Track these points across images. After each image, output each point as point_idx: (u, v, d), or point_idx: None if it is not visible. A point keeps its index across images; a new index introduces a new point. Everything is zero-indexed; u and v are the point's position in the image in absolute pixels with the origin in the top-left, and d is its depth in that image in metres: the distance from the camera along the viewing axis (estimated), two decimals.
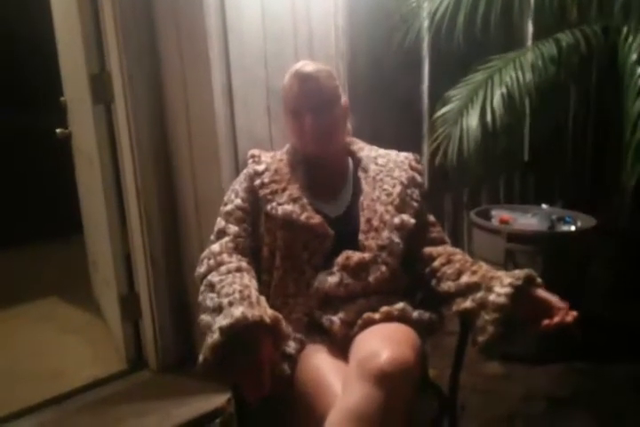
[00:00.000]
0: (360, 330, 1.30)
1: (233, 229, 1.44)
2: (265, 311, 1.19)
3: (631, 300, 2.67)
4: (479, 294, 1.30)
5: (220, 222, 1.47)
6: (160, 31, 2.02)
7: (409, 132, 2.62)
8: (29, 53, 3.74)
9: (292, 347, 1.31)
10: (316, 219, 1.38)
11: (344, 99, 1.50)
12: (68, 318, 2.89)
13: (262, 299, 1.26)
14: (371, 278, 1.37)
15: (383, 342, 1.18)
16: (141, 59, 2.03)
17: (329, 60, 2.08)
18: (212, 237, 1.46)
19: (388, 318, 1.31)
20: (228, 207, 1.47)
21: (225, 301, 1.22)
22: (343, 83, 2.09)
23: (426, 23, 2.28)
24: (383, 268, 1.38)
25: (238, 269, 1.34)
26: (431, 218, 1.55)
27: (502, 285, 1.27)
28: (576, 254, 2.38)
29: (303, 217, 1.38)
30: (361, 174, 1.51)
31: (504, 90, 2.10)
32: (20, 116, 3.81)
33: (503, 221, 2.47)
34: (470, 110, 2.16)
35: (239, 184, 1.50)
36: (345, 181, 1.52)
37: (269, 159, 1.51)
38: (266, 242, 1.43)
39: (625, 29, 1.93)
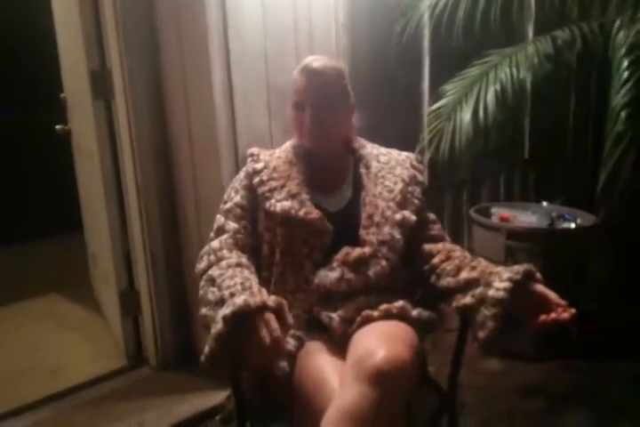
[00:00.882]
0: (358, 327, 1.30)
1: (232, 226, 1.44)
2: (267, 298, 1.20)
3: (630, 297, 2.67)
4: (478, 290, 1.30)
5: (220, 219, 1.47)
6: (160, 28, 2.02)
7: (409, 128, 2.62)
8: (29, 50, 3.73)
9: (291, 344, 1.31)
10: (315, 214, 1.38)
11: (352, 97, 1.49)
12: (68, 315, 2.89)
13: (264, 290, 1.26)
14: (371, 273, 1.37)
15: (380, 341, 1.18)
16: (142, 55, 2.03)
17: (329, 56, 2.07)
18: (212, 235, 1.47)
19: (387, 315, 1.31)
20: (228, 205, 1.48)
21: (226, 293, 1.23)
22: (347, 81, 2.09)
23: (426, 15, 2.27)
24: (383, 262, 1.38)
25: (238, 265, 1.35)
26: (431, 216, 1.55)
27: (501, 279, 1.27)
28: (575, 252, 2.39)
29: (302, 213, 1.38)
30: (362, 171, 1.51)
31: (498, 86, 2.10)
32: (20, 112, 3.80)
33: (503, 219, 2.47)
34: (464, 106, 2.15)
35: (239, 182, 1.51)
36: (346, 176, 1.52)
37: (268, 157, 1.52)
38: (265, 239, 1.43)
39: (617, 24, 1.93)
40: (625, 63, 1.83)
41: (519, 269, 1.28)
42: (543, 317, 1.20)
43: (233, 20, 1.84)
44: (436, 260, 1.43)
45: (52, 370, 2.32)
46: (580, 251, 2.41)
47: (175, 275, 2.23)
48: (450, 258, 1.42)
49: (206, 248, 1.43)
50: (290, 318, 1.22)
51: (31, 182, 3.91)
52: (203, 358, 1.19)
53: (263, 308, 1.16)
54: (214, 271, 1.33)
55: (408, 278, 1.47)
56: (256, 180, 1.46)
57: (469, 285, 1.33)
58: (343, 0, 2.13)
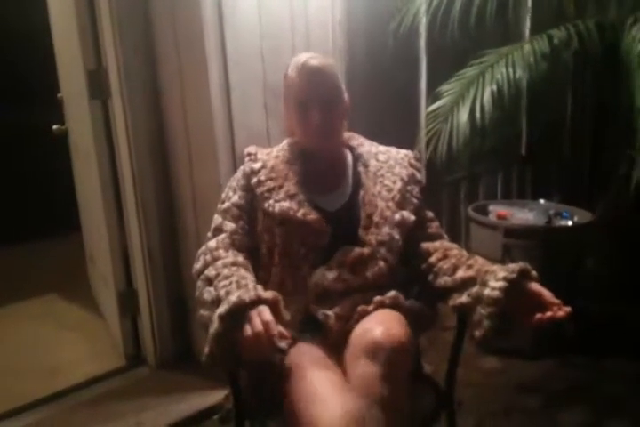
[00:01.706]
0: (355, 323, 1.31)
1: (230, 225, 1.44)
2: (263, 292, 1.20)
3: (626, 294, 2.68)
4: (474, 289, 1.31)
5: (217, 219, 1.47)
6: (156, 27, 2.02)
7: (406, 127, 2.62)
8: (25, 50, 3.72)
9: (284, 343, 1.31)
10: (313, 215, 1.38)
11: (346, 95, 1.50)
12: (66, 315, 2.89)
13: (260, 286, 1.25)
14: (368, 274, 1.37)
15: (376, 322, 1.24)
16: (138, 54, 2.03)
17: (326, 55, 2.07)
18: (209, 234, 1.47)
19: (381, 306, 1.33)
20: (225, 205, 1.48)
21: (222, 292, 1.23)
22: (341, 78, 2.09)
23: (422, 8, 2.26)
24: (381, 263, 1.38)
25: (234, 264, 1.34)
26: (429, 214, 1.55)
27: (496, 279, 1.27)
28: (573, 249, 2.39)
29: (300, 213, 1.38)
30: (361, 169, 1.51)
31: (494, 87, 2.10)
32: (17, 112, 3.80)
33: (500, 217, 2.48)
34: (461, 107, 2.16)
35: (236, 182, 1.51)
36: (344, 174, 1.52)
37: (265, 156, 1.51)
38: (264, 240, 1.43)
39: (630, 20, 1.92)
40: None
41: (514, 267, 1.28)
42: (538, 315, 1.20)
43: (229, 19, 1.84)
44: (433, 258, 1.43)
45: (50, 370, 2.32)
46: (577, 248, 2.42)
47: (173, 274, 2.23)
48: (447, 256, 1.42)
49: (203, 248, 1.43)
50: (285, 314, 1.22)
51: (29, 183, 3.90)
52: (203, 357, 1.19)
53: (258, 301, 1.17)
54: (210, 271, 1.33)
55: (405, 278, 1.47)
56: (254, 180, 1.46)
57: (465, 284, 1.34)
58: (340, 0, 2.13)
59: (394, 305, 1.33)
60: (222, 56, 1.86)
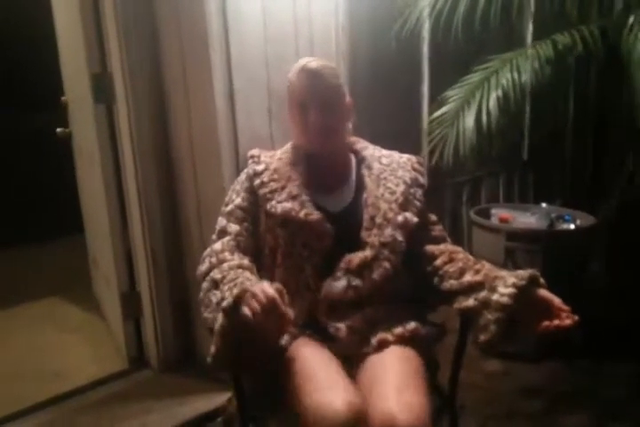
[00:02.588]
0: (374, 351, 1.33)
1: (234, 227, 1.44)
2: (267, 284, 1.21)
3: (630, 298, 2.68)
4: (482, 294, 1.31)
5: (222, 222, 1.48)
6: (161, 32, 2.03)
7: (409, 130, 2.63)
8: (30, 53, 3.74)
9: (284, 339, 1.32)
10: (315, 215, 1.39)
11: (348, 97, 1.51)
12: (69, 318, 2.89)
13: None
14: (375, 276, 1.38)
15: (394, 393, 1.19)
16: (143, 59, 2.03)
17: (330, 60, 2.08)
18: (214, 237, 1.47)
19: (402, 339, 1.34)
20: (229, 207, 1.49)
21: (227, 294, 1.24)
22: (344, 82, 2.10)
23: (426, 11, 2.27)
24: (386, 264, 1.39)
25: (240, 266, 1.35)
26: (433, 217, 1.55)
27: (506, 285, 1.28)
28: (575, 253, 2.40)
29: (302, 214, 1.38)
30: (365, 172, 1.51)
31: (500, 92, 2.11)
32: (21, 115, 3.81)
33: (503, 220, 2.48)
34: (467, 112, 2.16)
35: (240, 184, 1.52)
36: (347, 177, 1.52)
37: (269, 159, 1.52)
38: (267, 241, 1.44)
39: (630, 20, 1.93)
40: None
41: (523, 274, 1.29)
42: (546, 323, 1.21)
43: (233, 25, 1.85)
44: (438, 261, 1.44)
45: (53, 373, 2.32)
46: (579, 252, 2.42)
47: (176, 277, 2.24)
48: (453, 260, 1.43)
49: (208, 250, 1.44)
50: (289, 310, 1.22)
51: (32, 185, 3.91)
52: (209, 358, 1.20)
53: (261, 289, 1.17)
54: (216, 274, 1.34)
55: (411, 283, 1.47)
56: (257, 181, 1.47)
57: (473, 288, 1.34)
58: (343, 4, 2.14)
59: (414, 339, 1.35)
60: (226, 61, 1.87)
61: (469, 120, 2.14)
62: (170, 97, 2.08)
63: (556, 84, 2.18)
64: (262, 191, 1.45)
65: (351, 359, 1.33)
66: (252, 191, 1.48)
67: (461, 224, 3.01)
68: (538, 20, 2.67)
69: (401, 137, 2.31)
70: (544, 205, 2.64)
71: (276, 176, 1.46)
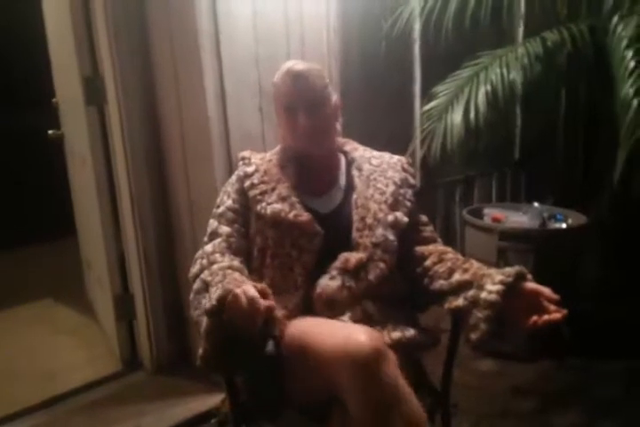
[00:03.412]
0: None
1: (225, 229, 1.45)
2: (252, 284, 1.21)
3: (621, 296, 2.70)
4: (471, 292, 1.32)
5: (213, 224, 1.48)
6: (152, 34, 2.03)
7: (400, 130, 2.64)
8: (21, 55, 3.73)
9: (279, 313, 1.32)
10: (305, 216, 1.39)
11: (335, 98, 1.51)
12: (63, 320, 2.89)
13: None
14: (371, 277, 1.38)
15: None
16: (134, 61, 2.04)
17: (321, 60, 2.10)
18: (206, 239, 1.47)
19: (398, 345, 1.31)
20: (220, 209, 1.49)
21: (215, 295, 1.23)
22: (335, 82, 2.10)
23: (417, 10, 2.28)
24: (382, 265, 1.39)
25: (230, 267, 1.35)
26: (423, 218, 1.56)
27: (494, 282, 1.29)
28: (567, 252, 2.41)
29: (291, 215, 1.39)
30: (355, 173, 1.52)
31: (489, 87, 2.12)
32: (13, 117, 3.80)
33: (495, 220, 2.49)
34: (455, 106, 2.18)
35: (231, 186, 1.52)
36: (337, 178, 1.53)
37: (259, 160, 1.52)
38: (256, 242, 1.44)
39: (616, 18, 1.95)
40: (630, 54, 1.86)
41: (511, 271, 1.30)
42: (534, 318, 1.21)
43: (224, 25, 1.85)
44: (428, 262, 1.44)
45: (47, 375, 2.32)
46: (571, 251, 2.43)
47: (169, 279, 2.24)
48: (442, 260, 1.43)
49: (200, 252, 1.44)
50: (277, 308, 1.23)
51: (24, 187, 3.90)
52: (198, 359, 1.20)
53: (245, 289, 1.17)
54: (206, 276, 1.34)
55: (405, 283, 1.48)
56: (247, 183, 1.47)
57: (462, 287, 1.34)
58: (334, 5, 2.14)
59: (410, 346, 1.34)
60: (218, 62, 1.87)
61: (457, 115, 2.15)
62: (161, 98, 2.08)
63: (545, 81, 2.20)
64: (252, 193, 1.45)
65: None
66: (242, 193, 1.48)
67: (454, 224, 3.02)
68: (528, 19, 2.68)
69: (393, 137, 2.32)
70: (536, 204, 2.64)
71: (266, 178, 1.46)
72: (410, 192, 1.52)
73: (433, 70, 2.60)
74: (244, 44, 1.91)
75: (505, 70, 2.12)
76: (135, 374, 2.30)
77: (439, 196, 2.92)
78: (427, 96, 2.37)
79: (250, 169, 1.49)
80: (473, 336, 1.30)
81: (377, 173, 1.50)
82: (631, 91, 1.83)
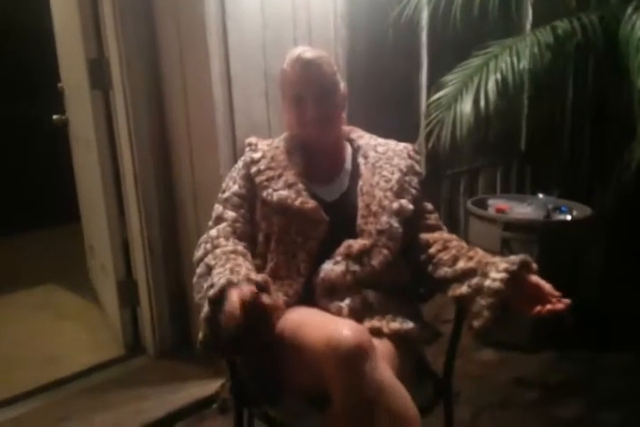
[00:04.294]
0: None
1: (230, 214, 1.45)
2: (253, 275, 1.22)
3: (625, 288, 2.69)
4: (475, 280, 1.31)
5: (218, 208, 1.48)
6: (159, 17, 2.02)
7: (407, 118, 2.63)
8: (26, 39, 3.71)
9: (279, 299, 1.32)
10: (311, 204, 1.39)
11: (343, 86, 1.50)
12: (66, 305, 2.90)
13: (252, 272, 1.27)
14: (374, 262, 1.37)
15: None
16: (140, 44, 2.02)
17: (328, 46, 2.08)
18: (210, 223, 1.47)
19: (395, 336, 1.31)
20: (226, 194, 1.48)
21: (216, 279, 1.23)
22: (342, 70, 2.09)
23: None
24: (385, 251, 1.39)
25: (233, 252, 1.35)
26: (428, 205, 1.55)
27: (498, 270, 1.28)
28: (571, 243, 2.40)
29: (298, 202, 1.39)
30: (360, 160, 1.51)
31: (499, 76, 2.11)
32: (17, 102, 3.80)
33: (500, 210, 2.48)
34: (465, 95, 2.16)
35: (237, 172, 1.51)
36: (343, 165, 1.52)
37: (266, 147, 1.52)
38: (261, 228, 1.44)
39: (630, 8, 1.93)
40: None
41: (515, 259, 1.30)
42: (538, 308, 1.21)
43: (231, 10, 1.84)
44: (432, 249, 1.44)
45: (49, 359, 2.33)
46: (575, 243, 2.42)
47: (173, 264, 2.24)
48: (447, 248, 1.43)
49: (204, 237, 1.44)
50: (278, 295, 1.26)
51: (29, 173, 3.90)
52: (198, 344, 1.20)
53: (247, 281, 1.18)
54: (210, 260, 1.34)
55: (409, 272, 1.47)
56: (253, 169, 1.47)
57: (466, 275, 1.34)
58: None
59: (408, 338, 1.33)
60: (224, 47, 1.86)
61: (467, 104, 2.14)
62: (167, 82, 2.07)
63: (555, 71, 2.18)
64: (259, 179, 1.45)
65: None
66: (248, 179, 1.48)
67: (458, 214, 3.01)
68: (537, 8, 2.65)
69: (399, 124, 2.31)
70: (541, 195, 2.63)
71: (272, 164, 1.46)
72: (415, 180, 1.51)
73: (440, 59, 2.58)
74: (250, 28, 1.90)
75: (515, 59, 2.10)
76: (138, 358, 2.31)
77: (444, 186, 2.91)
78: (435, 85, 2.35)
79: (256, 155, 1.49)
80: (476, 324, 1.30)
81: (383, 161, 1.50)
82: None
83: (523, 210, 2.50)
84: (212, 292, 1.18)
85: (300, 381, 1.27)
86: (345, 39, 2.19)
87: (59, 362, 2.30)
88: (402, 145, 1.57)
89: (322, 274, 1.36)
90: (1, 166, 3.81)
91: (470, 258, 1.37)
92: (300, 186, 1.42)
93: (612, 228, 2.79)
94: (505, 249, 2.35)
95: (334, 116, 1.46)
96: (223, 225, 1.43)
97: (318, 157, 1.50)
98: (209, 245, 1.39)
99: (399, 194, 1.45)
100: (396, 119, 2.45)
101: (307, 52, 1.43)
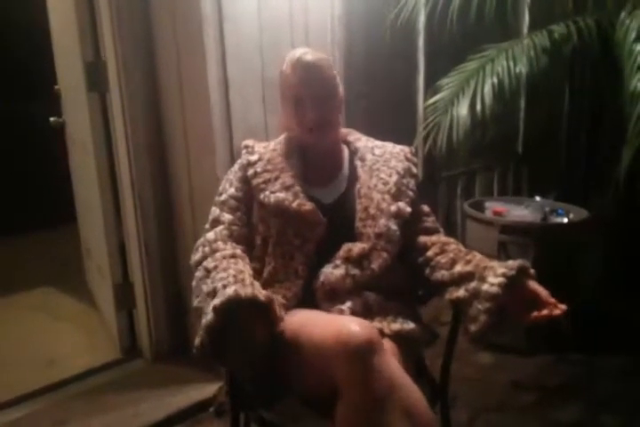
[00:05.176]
0: None
1: (227, 217, 1.44)
2: (259, 291, 1.21)
3: (621, 291, 2.70)
4: (472, 284, 1.31)
5: (215, 211, 1.47)
6: (155, 20, 2.02)
7: (404, 121, 2.63)
8: (23, 40, 3.71)
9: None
10: (308, 206, 1.39)
11: (341, 89, 1.50)
12: (63, 307, 2.89)
13: (256, 283, 1.27)
14: (374, 266, 1.37)
15: None
16: (137, 47, 2.02)
17: (325, 49, 2.09)
18: (207, 226, 1.47)
19: (397, 336, 1.31)
20: (223, 197, 1.48)
21: (219, 284, 1.23)
22: (339, 72, 2.09)
23: (421, 1, 2.26)
24: (384, 254, 1.39)
25: (233, 256, 1.35)
26: (425, 208, 1.55)
27: (495, 275, 1.28)
28: (568, 246, 2.40)
29: (295, 204, 1.38)
30: (358, 163, 1.51)
31: (495, 79, 2.11)
32: (14, 104, 3.79)
33: (497, 213, 2.49)
34: (461, 99, 2.17)
35: (233, 174, 1.51)
36: (340, 168, 1.52)
37: (263, 149, 1.52)
38: (259, 230, 1.44)
39: (623, 13, 1.94)
40: (638, 47, 1.86)
41: (513, 264, 1.30)
42: (535, 313, 1.21)
43: (228, 13, 1.84)
44: (430, 253, 1.44)
45: (46, 362, 2.32)
46: (572, 245, 2.42)
47: (169, 267, 2.24)
48: (444, 251, 1.43)
49: (201, 240, 1.43)
50: (281, 312, 1.25)
51: (26, 175, 3.89)
52: (194, 349, 1.20)
53: (253, 300, 1.18)
54: (209, 263, 1.34)
55: (407, 275, 1.47)
56: (250, 171, 1.46)
57: (463, 278, 1.34)
58: None
59: (408, 339, 1.33)
60: (221, 50, 1.86)
61: (463, 107, 2.14)
62: (164, 85, 2.07)
63: (551, 74, 2.19)
64: (256, 181, 1.45)
65: None
66: (245, 181, 1.47)
67: (455, 217, 3.01)
68: (533, 12, 2.66)
69: (396, 126, 2.31)
70: (538, 198, 2.64)
71: (269, 167, 1.46)
72: (412, 182, 1.51)
73: (437, 62, 2.59)
74: (248, 31, 1.90)
75: (511, 63, 2.11)
76: (134, 361, 2.30)
77: (441, 188, 2.92)
78: (431, 89, 2.36)
79: (253, 158, 1.49)
80: (472, 328, 1.30)
81: (380, 163, 1.50)
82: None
83: (520, 212, 2.50)
84: (218, 302, 1.17)
85: (303, 381, 1.27)
86: (342, 42, 2.20)
87: (56, 365, 2.30)
88: (399, 147, 1.57)
89: (321, 278, 1.36)
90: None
91: (468, 262, 1.37)
92: (297, 188, 1.42)
93: (609, 230, 2.80)
94: (502, 252, 2.35)
95: (333, 120, 1.45)
96: (220, 228, 1.43)
97: (315, 160, 1.50)
98: (207, 249, 1.39)
99: (397, 196, 1.45)
100: (393, 122, 2.45)
101: (307, 54, 1.42)
